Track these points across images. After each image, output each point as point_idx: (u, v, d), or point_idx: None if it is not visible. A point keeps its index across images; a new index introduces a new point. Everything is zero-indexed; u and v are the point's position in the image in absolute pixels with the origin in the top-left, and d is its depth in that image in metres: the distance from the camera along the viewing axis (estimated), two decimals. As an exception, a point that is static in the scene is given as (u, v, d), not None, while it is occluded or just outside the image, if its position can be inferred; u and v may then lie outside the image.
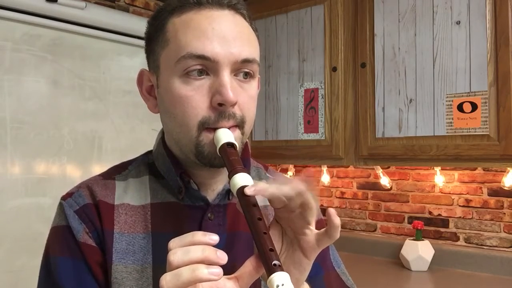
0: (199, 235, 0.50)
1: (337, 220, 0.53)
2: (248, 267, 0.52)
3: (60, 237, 0.67)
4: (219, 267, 0.48)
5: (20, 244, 1.68)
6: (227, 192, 0.71)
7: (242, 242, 0.69)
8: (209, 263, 0.48)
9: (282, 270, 0.48)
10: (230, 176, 0.57)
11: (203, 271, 0.47)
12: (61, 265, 0.65)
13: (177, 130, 0.65)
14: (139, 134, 2.07)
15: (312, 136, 2.02)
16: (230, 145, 0.60)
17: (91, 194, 0.69)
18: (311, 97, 2.03)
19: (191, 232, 0.50)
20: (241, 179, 0.55)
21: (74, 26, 1.86)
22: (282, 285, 0.46)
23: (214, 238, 0.50)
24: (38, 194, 1.74)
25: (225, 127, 0.62)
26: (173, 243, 0.50)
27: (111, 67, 2.01)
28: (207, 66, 0.62)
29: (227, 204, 0.71)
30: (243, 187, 0.54)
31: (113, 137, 2.00)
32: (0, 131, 1.66)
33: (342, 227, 2.39)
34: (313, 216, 0.56)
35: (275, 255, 0.49)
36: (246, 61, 0.63)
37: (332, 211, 0.53)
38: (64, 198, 0.70)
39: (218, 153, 0.61)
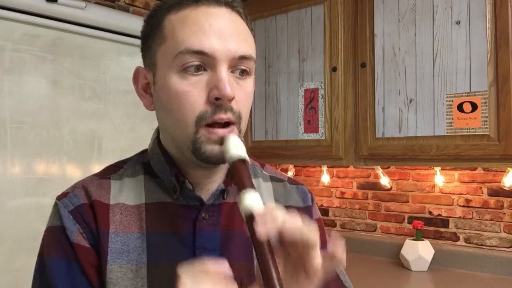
0: (209, 264, 0.49)
1: (339, 251, 0.51)
2: None
3: (54, 237, 0.67)
4: None
5: (20, 244, 1.68)
6: (222, 191, 0.71)
7: (237, 242, 0.69)
8: None
9: None
10: (240, 192, 0.55)
11: None
12: (55, 266, 0.65)
13: (174, 126, 0.65)
14: (139, 134, 2.08)
15: (312, 136, 2.02)
16: (242, 160, 0.59)
17: (86, 194, 0.69)
18: (311, 97, 2.03)
19: (201, 260, 0.49)
20: (251, 199, 0.53)
21: (74, 26, 1.86)
22: None
23: (225, 268, 0.49)
24: (38, 194, 1.75)
25: (223, 120, 0.62)
26: (183, 272, 0.48)
27: (111, 67, 2.01)
28: (204, 62, 0.62)
29: (221, 203, 0.71)
30: (253, 216, 0.51)
31: (113, 137, 2.00)
32: (0, 131, 1.66)
33: (342, 227, 2.41)
34: (317, 243, 0.52)
35: (280, 284, 0.48)
36: (243, 58, 0.64)
37: (334, 236, 0.51)
38: (59, 198, 0.70)
39: (227, 165, 0.60)
